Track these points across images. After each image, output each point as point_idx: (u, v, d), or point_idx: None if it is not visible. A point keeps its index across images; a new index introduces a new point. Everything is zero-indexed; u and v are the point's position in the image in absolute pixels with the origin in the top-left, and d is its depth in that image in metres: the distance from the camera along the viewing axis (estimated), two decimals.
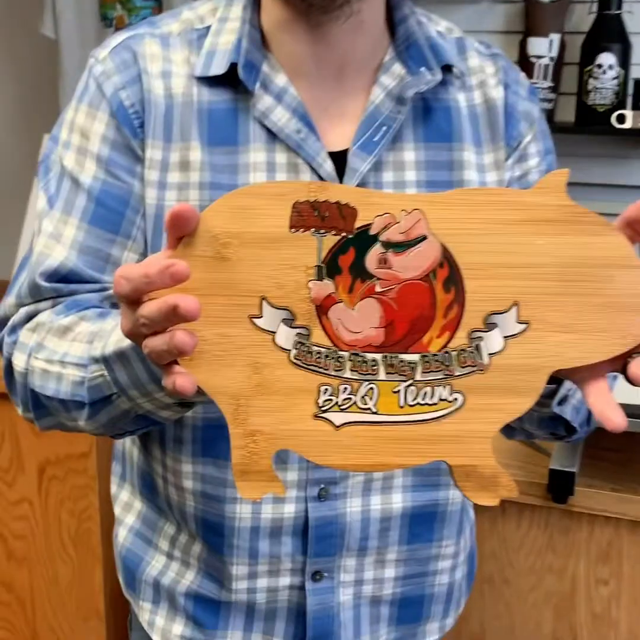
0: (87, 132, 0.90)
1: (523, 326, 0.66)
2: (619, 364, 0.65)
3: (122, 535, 1.05)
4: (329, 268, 0.65)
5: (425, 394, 0.67)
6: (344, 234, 0.65)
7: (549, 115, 2.44)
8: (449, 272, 0.65)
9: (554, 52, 2.46)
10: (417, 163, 0.91)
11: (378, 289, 0.66)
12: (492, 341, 0.66)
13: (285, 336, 0.65)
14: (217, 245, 0.64)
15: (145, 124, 0.88)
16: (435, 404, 0.67)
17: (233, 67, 0.87)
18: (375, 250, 0.65)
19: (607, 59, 2.34)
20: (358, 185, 0.88)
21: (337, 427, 0.67)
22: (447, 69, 0.93)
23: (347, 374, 0.66)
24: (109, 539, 1.80)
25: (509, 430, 0.93)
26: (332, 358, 0.66)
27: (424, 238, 0.65)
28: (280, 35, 0.90)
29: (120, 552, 1.05)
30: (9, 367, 0.89)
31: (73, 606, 1.85)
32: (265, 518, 0.92)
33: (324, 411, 0.66)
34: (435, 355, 0.66)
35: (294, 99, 0.89)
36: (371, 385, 0.67)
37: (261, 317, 0.65)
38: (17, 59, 2.81)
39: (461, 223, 0.66)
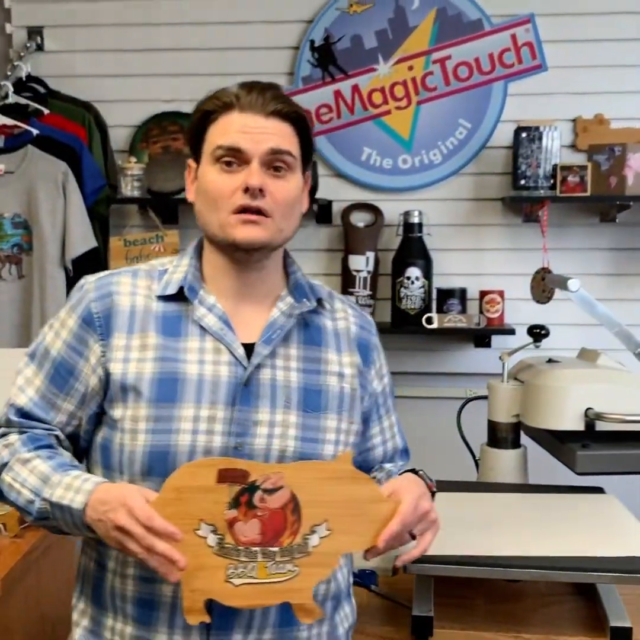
0: (64, 323, 1.38)
1: (329, 532, 1.24)
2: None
3: (78, 633, 1.41)
4: (234, 503, 1.21)
5: (280, 567, 1.23)
6: (243, 485, 1.21)
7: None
8: (294, 504, 1.23)
9: (371, 267, 2.97)
10: (298, 356, 1.39)
11: (259, 513, 1.22)
12: (313, 540, 1.24)
13: (212, 539, 1.21)
14: (177, 493, 1.20)
15: (112, 324, 1.34)
16: (285, 573, 1.23)
17: (181, 289, 1.36)
18: (259, 493, 1.21)
19: (413, 272, 2.86)
20: (258, 365, 1.34)
21: (237, 586, 1.22)
22: (320, 304, 1.43)
23: (242, 558, 1.22)
24: None
25: None
26: (235, 551, 1.22)
27: (282, 487, 1.22)
28: (216, 275, 1.39)
29: None
30: None
31: None
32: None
33: (230, 578, 1.21)
34: (286, 548, 1.23)
35: (220, 310, 1.37)
36: (253, 564, 1.22)
37: (199, 529, 1.21)
38: None
39: (301, 480, 1.23)
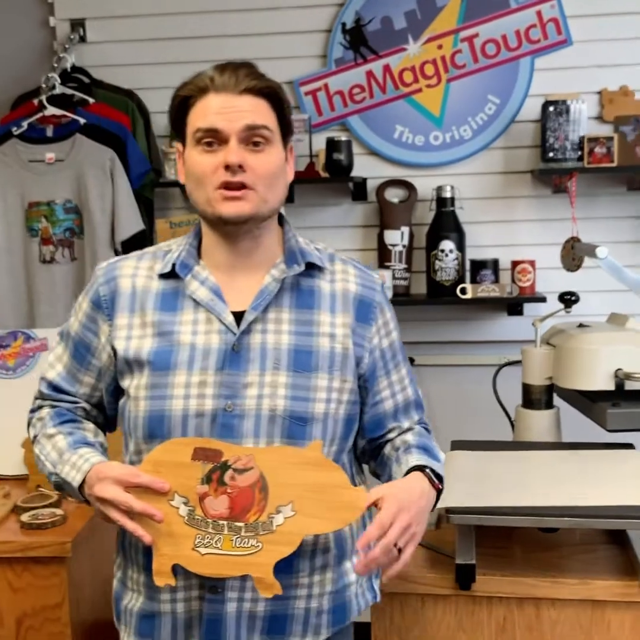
0: (80, 306, 1.52)
1: (294, 513, 1.31)
2: None
3: (114, 584, 1.56)
4: (207, 479, 1.31)
5: (244, 541, 1.31)
6: (216, 464, 1.31)
7: (405, 290, 3.05)
8: (262, 485, 1.31)
9: (405, 241, 3.04)
10: (290, 320, 1.44)
11: (228, 490, 1.31)
12: (278, 519, 1.31)
13: (183, 510, 1.32)
14: (155, 466, 1.32)
15: (116, 305, 1.46)
16: (248, 547, 1.31)
17: (174, 266, 1.45)
18: (230, 472, 1.31)
19: (447, 244, 2.92)
20: (248, 331, 1.41)
21: (203, 555, 1.32)
22: (317, 267, 1.47)
23: (210, 530, 1.32)
24: None
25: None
26: (204, 522, 1.32)
27: (252, 468, 1.31)
28: (211, 249, 1.47)
29: (113, 596, 1.56)
30: (28, 427, 1.60)
31: None
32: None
33: (197, 547, 1.32)
34: (251, 524, 1.31)
35: (213, 282, 1.45)
36: (220, 536, 1.31)
37: (173, 500, 1.32)
38: None
39: (270, 463, 1.31)
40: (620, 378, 1.96)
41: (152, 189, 3.02)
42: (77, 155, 2.87)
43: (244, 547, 1.30)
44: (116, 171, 2.84)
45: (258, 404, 1.39)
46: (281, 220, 1.51)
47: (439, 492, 1.43)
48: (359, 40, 3.01)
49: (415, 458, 1.43)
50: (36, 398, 1.57)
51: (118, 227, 2.84)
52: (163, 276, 1.46)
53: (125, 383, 1.45)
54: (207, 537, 1.30)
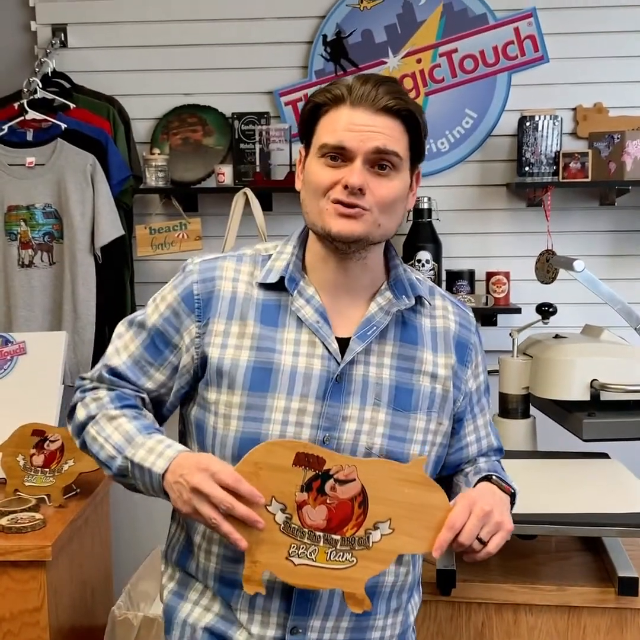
0: (165, 298, 1.43)
1: (391, 530, 1.26)
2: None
3: (165, 596, 1.48)
4: (306, 487, 1.24)
5: (339, 555, 1.26)
6: (317, 471, 1.24)
7: None
8: (362, 499, 1.25)
9: None
10: (393, 354, 1.38)
11: (328, 501, 1.25)
12: (375, 535, 1.26)
13: (280, 517, 1.25)
14: (254, 467, 1.23)
15: (213, 308, 1.37)
16: (343, 561, 1.26)
17: (281, 279, 1.37)
18: (331, 482, 1.25)
19: (424, 255, 2.92)
20: (351, 361, 1.35)
21: (296, 565, 1.25)
22: (419, 301, 1.41)
23: (306, 540, 1.25)
24: None
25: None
26: (300, 532, 1.25)
27: (354, 480, 1.25)
28: (317, 265, 1.40)
29: (164, 609, 1.48)
30: (73, 410, 1.46)
31: None
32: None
33: (291, 557, 1.25)
34: (347, 538, 1.26)
35: (318, 302, 1.38)
36: (315, 547, 1.25)
37: (270, 505, 1.24)
38: None
39: (372, 477, 1.25)
40: (596, 388, 2.00)
41: (131, 195, 3.01)
42: (57, 159, 2.85)
43: (339, 560, 1.26)
44: (97, 176, 2.82)
45: (355, 439, 1.34)
46: (387, 245, 1.45)
47: (512, 497, 1.40)
48: (339, 53, 3.03)
49: (484, 474, 1.42)
50: (88, 379, 1.47)
51: (98, 233, 2.83)
52: (265, 286, 1.39)
53: (212, 396, 1.37)
54: (302, 548, 1.25)
